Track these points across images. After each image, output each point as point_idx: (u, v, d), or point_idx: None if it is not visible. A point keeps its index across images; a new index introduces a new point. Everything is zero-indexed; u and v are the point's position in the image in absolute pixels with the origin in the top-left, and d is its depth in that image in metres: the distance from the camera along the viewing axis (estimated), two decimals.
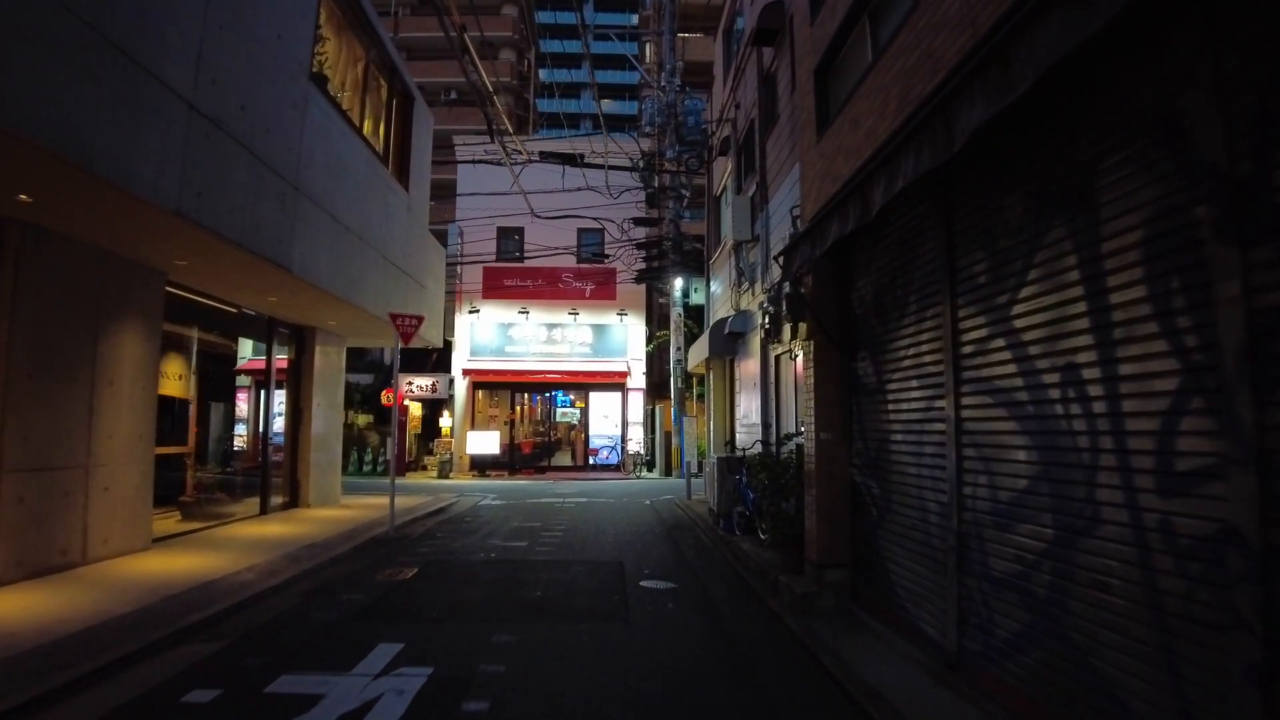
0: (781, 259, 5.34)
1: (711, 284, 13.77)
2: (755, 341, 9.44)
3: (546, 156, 15.06)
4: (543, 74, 46.11)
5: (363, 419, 19.77)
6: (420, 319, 9.53)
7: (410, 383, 19.30)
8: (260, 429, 10.36)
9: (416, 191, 11.94)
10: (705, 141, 15.84)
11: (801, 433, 6.16)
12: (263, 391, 10.42)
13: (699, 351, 12.21)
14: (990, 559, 3.72)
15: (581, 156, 14.86)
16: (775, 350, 8.42)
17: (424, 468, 19.39)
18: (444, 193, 26.32)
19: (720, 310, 12.05)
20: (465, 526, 9.79)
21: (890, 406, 4.98)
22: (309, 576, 6.74)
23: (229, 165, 6.32)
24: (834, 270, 5.77)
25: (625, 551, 7.81)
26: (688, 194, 18.47)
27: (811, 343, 5.71)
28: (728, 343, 10.76)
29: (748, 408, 9.95)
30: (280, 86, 7.28)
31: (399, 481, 17.20)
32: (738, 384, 10.80)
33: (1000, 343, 3.66)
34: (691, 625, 5.11)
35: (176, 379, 9.75)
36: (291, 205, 7.50)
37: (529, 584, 6.25)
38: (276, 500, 10.72)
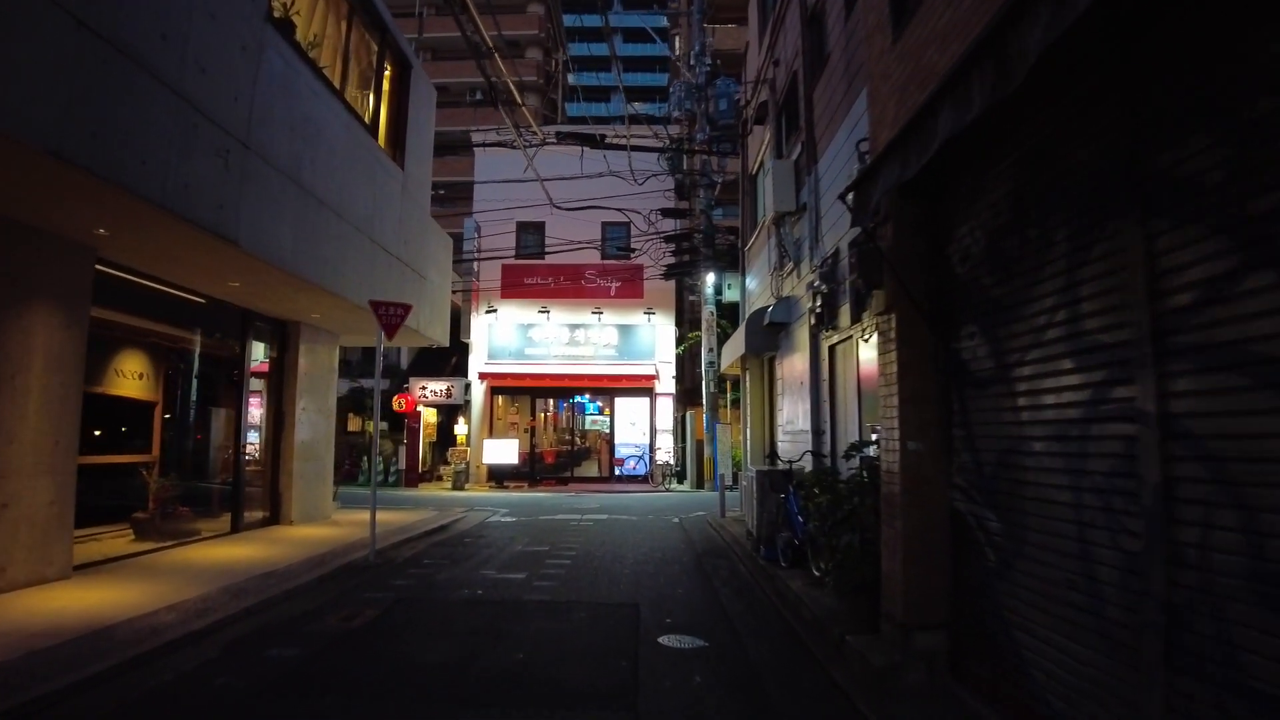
0: (851, 197, 3.79)
1: (747, 274, 12.21)
2: (802, 332, 7.85)
3: (564, 137, 13.72)
4: (570, 78, 45.25)
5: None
6: (407, 308, 8.19)
7: (424, 387, 18.11)
8: (234, 436, 9.12)
9: (415, 170, 10.67)
10: (738, 123, 14.32)
11: (875, 441, 4.58)
12: (239, 394, 9.20)
13: (734, 348, 10.64)
14: (1241, 655, 2.13)
15: (603, 137, 13.48)
16: (829, 340, 6.82)
17: (439, 478, 18.16)
18: (462, 193, 25.30)
19: (757, 302, 10.46)
20: (461, 550, 8.38)
21: (1020, 401, 3.38)
22: (246, 618, 5.39)
23: (140, 104, 5.03)
24: (923, 217, 4.20)
25: (644, 588, 6.28)
26: (720, 180, 16.95)
27: (892, 316, 4.14)
28: (767, 336, 9.18)
29: (792, 413, 8.34)
30: (224, 23, 6.01)
31: (407, 494, 16.05)
32: (779, 385, 9.19)
33: (1263, 278, 2.07)
34: (727, 712, 3.56)
35: (135, 378, 8.57)
36: (239, 165, 6.22)
37: (513, 638, 4.77)
38: (255, 515, 9.48)
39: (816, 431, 7.12)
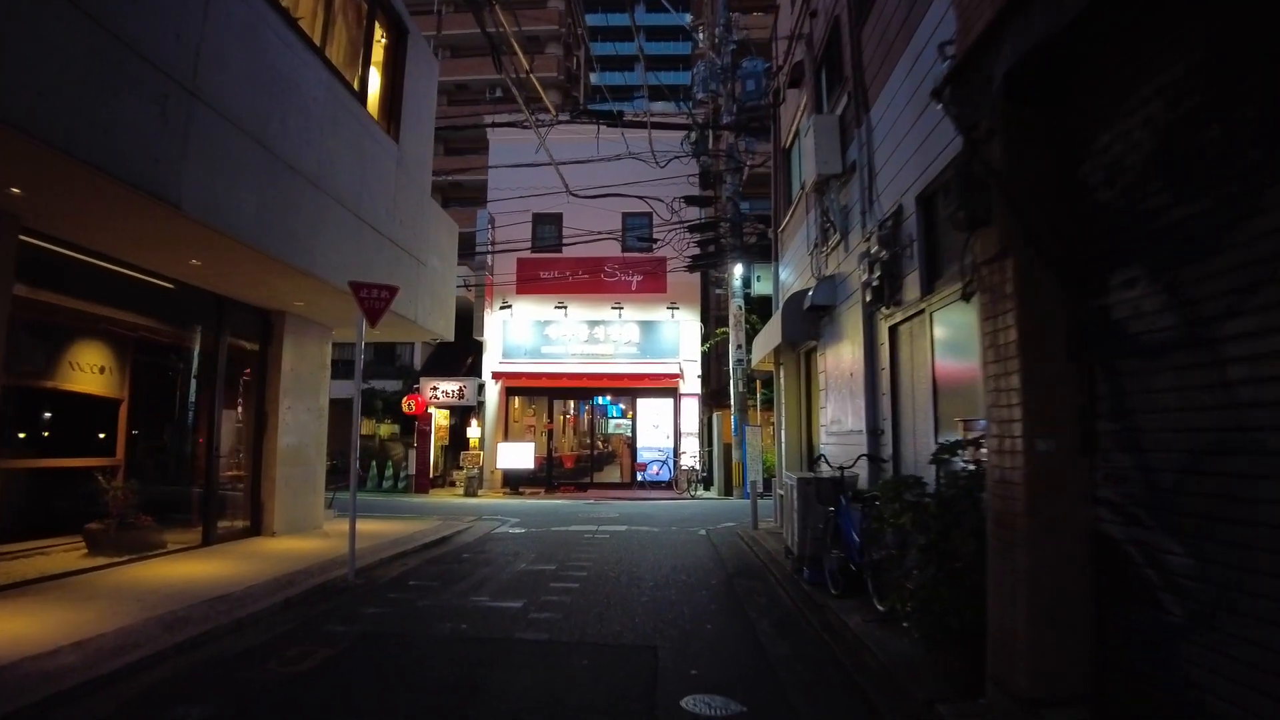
0: (948, 94, 2.63)
1: (781, 259, 11.00)
2: (852, 315, 6.65)
3: (580, 114, 12.68)
4: (592, 77, 44.38)
5: (385, 429, 17.78)
6: (392, 290, 7.18)
7: (435, 388, 17.18)
8: (208, 437, 8.19)
9: (413, 146, 9.70)
10: (769, 93, 13.13)
11: (977, 441, 3.39)
12: (214, 391, 8.27)
13: (767, 340, 9.45)
14: None
15: (620, 114, 12.41)
16: (889, 319, 5.62)
17: (452, 483, 17.20)
18: (482, 195, 24.43)
19: (794, 288, 9.25)
20: (457, 568, 7.32)
21: (1233, 373, 2.19)
22: (174, 656, 4.38)
23: (40, 26, 4.07)
24: (1045, 128, 3.01)
25: (664, 622, 5.13)
26: (747, 165, 15.77)
27: (1007, 264, 2.95)
28: (807, 323, 7.98)
29: (839, 411, 7.13)
30: None
31: (416, 501, 15.04)
32: (821, 379, 7.98)
33: None
34: None
35: (95, 373, 7.69)
36: (181, 115, 5.24)
37: (492, 696, 3.66)
38: (234, 525, 8.55)
39: (872, 432, 5.91)
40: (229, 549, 7.82)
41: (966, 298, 3.32)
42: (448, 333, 11.01)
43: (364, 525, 10.20)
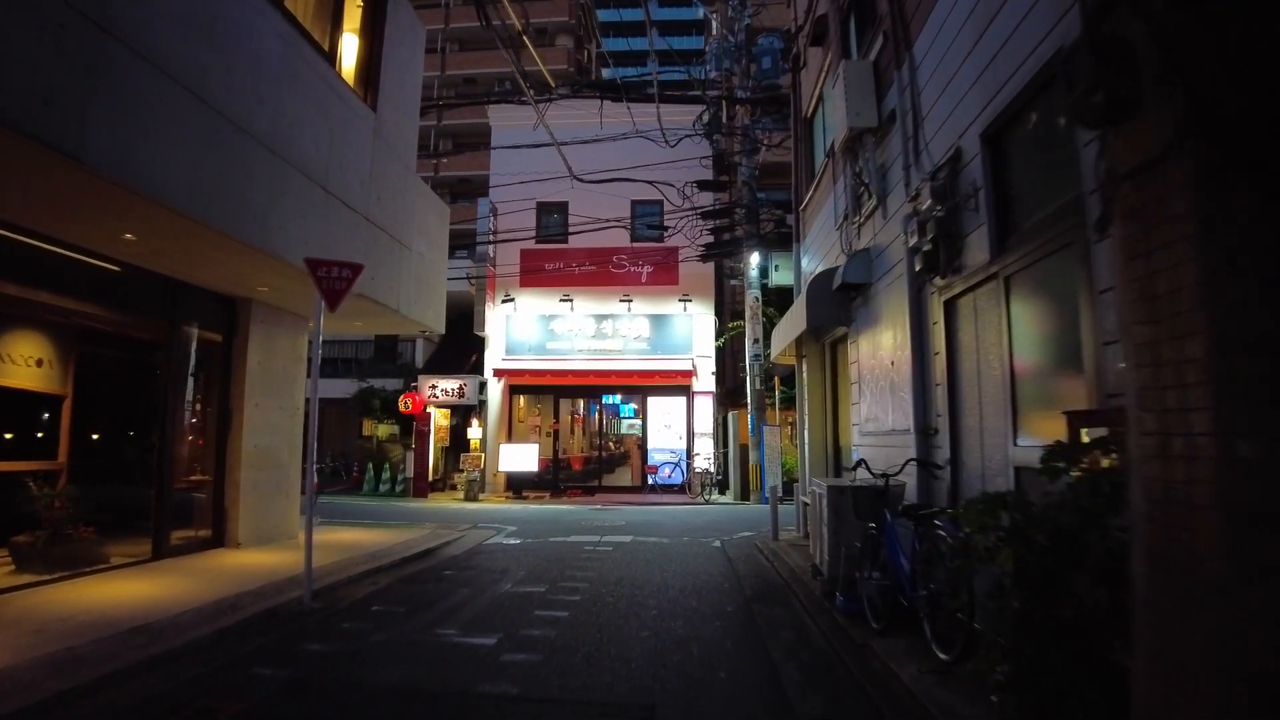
0: None
1: (804, 240, 9.95)
2: (894, 291, 5.62)
3: (581, 89, 11.71)
4: (605, 72, 43.49)
5: (384, 430, 16.94)
6: (356, 269, 6.25)
7: (434, 386, 16.31)
8: (162, 438, 7.32)
9: (394, 118, 8.79)
10: (789, 59, 12.09)
11: (1108, 441, 2.37)
12: (169, 386, 7.41)
13: (789, 329, 8.41)
14: None
15: (626, 83, 11.42)
16: (945, 291, 4.58)
17: (453, 487, 16.32)
18: (484, 191, 23.55)
19: (820, 268, 8.18)
20: (431, 590, 6.37)
21: None
22: (38, 715, 3.46)
23: None
24: None
25: (668, 666, 4.13)
26: (766, 143, 14.74)
27: (1175, 169, 1.92)
28: (836, 305, 6.94)
29: (877, 407, 6.09)
30: None
31: (412, 507, 13.99)
32: (854, 370, 6.93)
33: None
34: None
35: (31, 366, 6.85)
36: (84, 50, 4.34)
37: None
38: (193, 535, 7.69)
39: (922, 431, 4.86)
40: (180, 564, 6.93)
41: (1103, 226, 2.28)
42: (438, 325, 10.09)
43: (345, 535, 9.34)
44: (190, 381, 7.93)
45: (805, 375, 9.40)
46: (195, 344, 7.80)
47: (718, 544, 8.95)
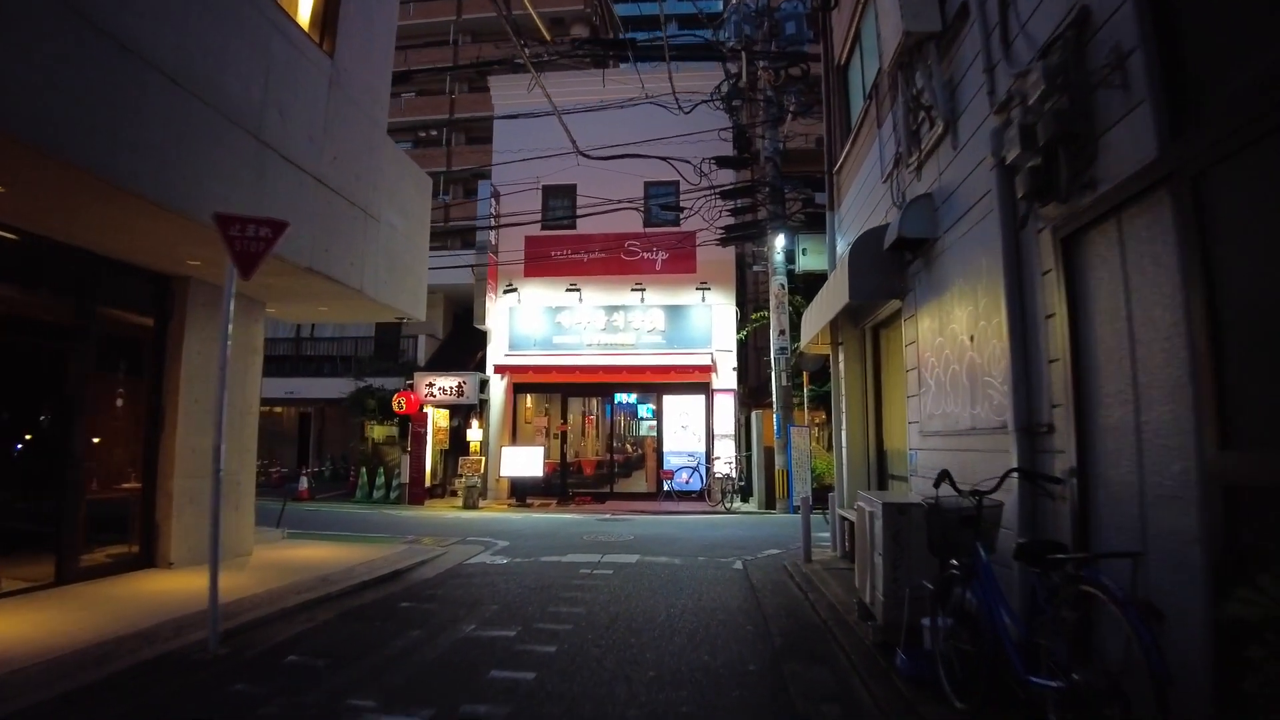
0: None
1: (840, 206, 8.49)
2: (973, 242, 4.18)
3: (580, 45, 10.39)
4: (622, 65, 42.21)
5: (380, 431, 15.78)
6: (278, 227, 4.98)
7: (431, 384, 15.10)
8: (69, 440, 6.12)
9: (359, 70, 7.55)
10: (808, 44, 10.65)
11: None
12: (80, 378, 6.22)
13: (824, 308, 6.97)
14: None
15: (634, 40, 10.08)
16: (1072, 222, 3.12)
17: (453, 493, 15.09)
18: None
19: (861, 233, 6.65)
20: (375, 630, 5.07)
21: None
22: None
23: None
24: None
25: None
26: (791, 111, 13.29)
27: None
28: (886, 272, 5.49)
29: (945, 399, 4.63)
30: None
31: (405, 515, 12.53)
32: (910, 354, 5.46)
33: None
34: None
35: None
36: None
37: None
38: (118, 553, 6.51)
39: (1025, 430, 3.40)
40: (83, 591, 5.72)
41: None
42: (415, 311, 8.82)
43: (307, 551, 8.12)
44: (116, 373, 6.76)
45: (842, 367, 7.94)
46: (118, 329, 6.63)
47: (739, 566, 7.53)
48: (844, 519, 7.52)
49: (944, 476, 3.25)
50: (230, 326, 4.97)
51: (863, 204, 7.13)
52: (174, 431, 6.87)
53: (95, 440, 6.57)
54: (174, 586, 6.04)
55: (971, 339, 4.13)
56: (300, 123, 6.53)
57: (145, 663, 4.27)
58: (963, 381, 4.28)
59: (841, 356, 7.95)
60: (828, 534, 8.11)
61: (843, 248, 8.35)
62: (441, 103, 34.24)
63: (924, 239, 4.88)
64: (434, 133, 33.92)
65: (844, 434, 7.74)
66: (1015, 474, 3.27)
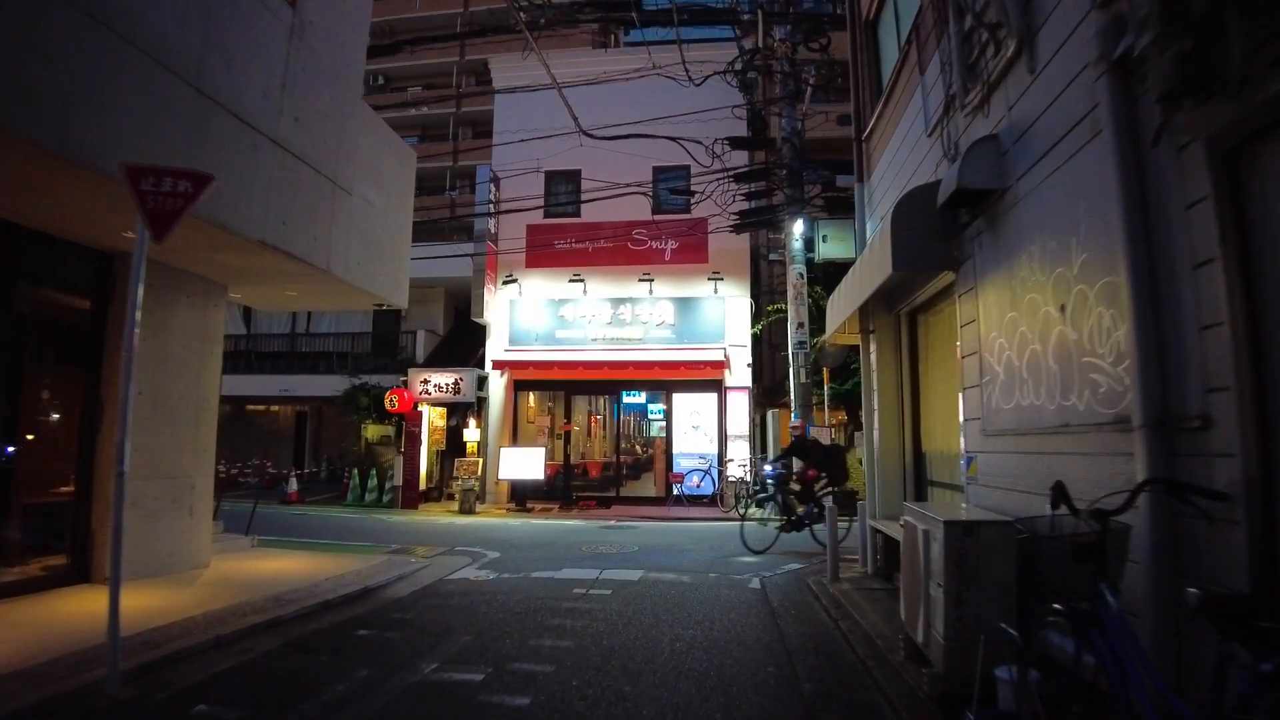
0: None
1: (870, 178, 7.54)
2: (1066, 183, 3.26)
3: (582, 5, 9.51)
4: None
5: (374, 430, 14.99)
6: (200, 181, 4.13)
7: (426, 380, 14.28)
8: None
9: (326, 21, 6.71)
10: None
11: None
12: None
13: (856, 288, 6.02)
14: None
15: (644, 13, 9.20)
16: (1236, 130, 2.17)
17: (450, 496, 14.27)
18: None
19: (899, 196, 5.64)
20: (316, 668, 4.20)
21: None
22: None
23: None
24: None
25: None
26: (810, 84, 12.34)
27: None
28: (935, 238, 4.55)
29: (1023, 388, 3.68)
30: None
31: (396, 520, 11.23)
32: (969, 336, 4.50)
33: None
34: None
35: None
36: None
37: None
38: (46, 565, 5.71)
39: (1162, 425, 2.46)
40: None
41: None
42: (396, 297, 7.98)
43: (272, 563, 7.29)
44: (44, 362, 5.97)
45: (874, 358, 7.00)
46: (48, 311, 5.84)
47: (756, 584, 6.59)
48: (876, 531, 6.58)
49: (1061, 493, 2.31)
50: (139, 297, 4.12)
51: (899, 169, 6.19)
52: (113, 429, 6.05)
53: (29, 438, 5.81)
54: (98, 608, 5.19)
55: (1062, 309, 3.19)
56: (252, 76, 5.70)
57: (20, 711, 3.44)
58: (1048, 365, 3.35)
59: (873, 346, 7.01)
60: (859, 549, 7.16)
61: (872, 230, 7.42)
62: (448, 97, 33.63)
63: (988, 191, 3.94)
64: (423, 104, 32.92)
65: (876, 434, 6.80)
66: (1155, 488, 2.33)
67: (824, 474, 9.01)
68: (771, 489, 9.15)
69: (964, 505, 4.41)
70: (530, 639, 4.67)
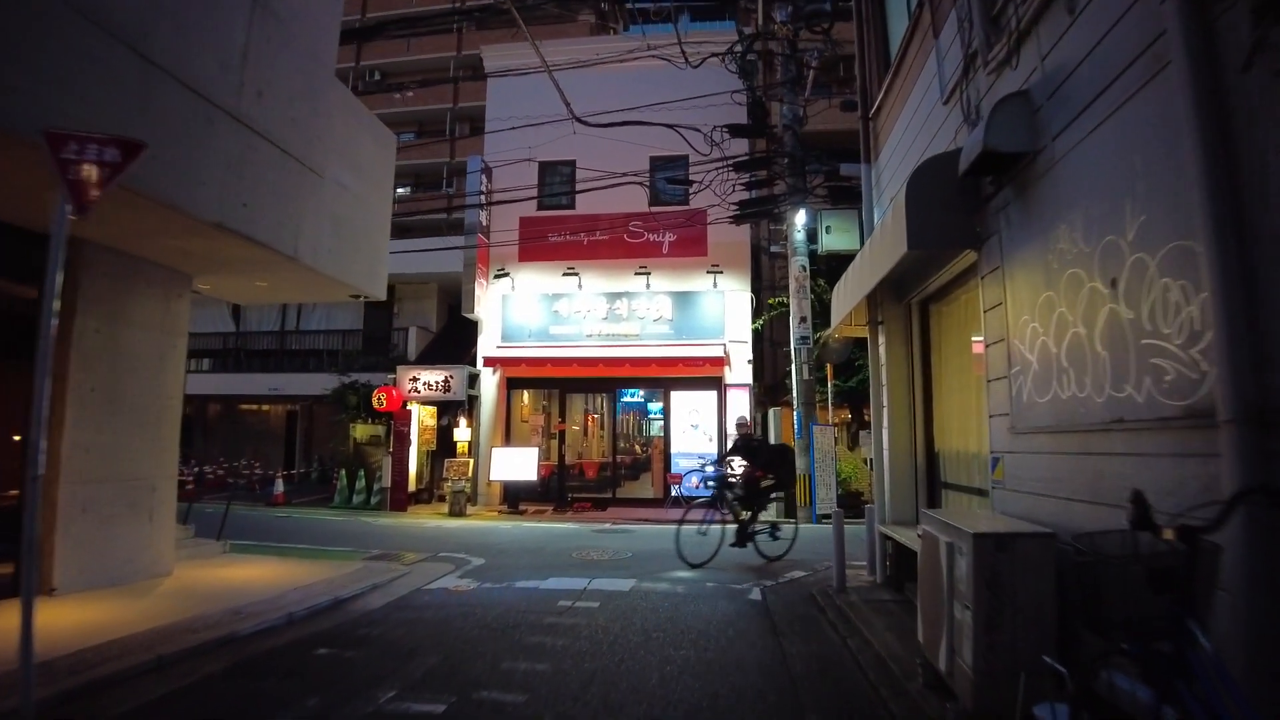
0: None
1: (880, 155, 7.05)
2: (1116, 134, 2.78)
3: None
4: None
5: (363, 430, 14.53)
6: (130, 150, 3.68)
7: (415, 378, 13.82)
8: None
9: None
10: None
11: None
12: None
13: (866, 272, 5.52)
14: None
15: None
16: None
17: (440, 498, 13.81)
18: None
19: (910, 175, 5.16)
20: (265, 695, 3.75)
21: None
22: None
23: None
24: None
25: None
26: (813, 67, 11.87)
27: None
28: (955, 212, 4.08)
29: (1064, 381, 3.20)
30: None
31: (383, 523, 10.74)
32: (996, 321, 4.02)
33: None
34: None
35: None
36: None
37: None
38: (4, 572, 5.26)
39: (1259, 419, 2.00)
40: None
41: None
42: (372, 288, 7.52)
43: (240, 570, 6.83)
44: None
45: (883, 351, 6.53)
46: None
47: (757, 595, 6.12)
48: (886, 537, 6.10)
49: (1141, 504, 1.83)
50: (58, 281, 3.66)
51: (911, 145, 5.72)
52: (62, 426, 5.61)
53: None
54: (43, 621, 4.75)
55: (1114, 284, 2.72)
56: (208, 44, 5.24)
57: None
58: (1094, 351, 2.87)
59: (882, 339, 6.53)
60: (867, 556, 6.68)
61: (880, 214, 6.93)
62: (444, 92, 33.17)
63: (1017, 156, 3.47)
64: (412, 88, 32.52)
65: (885, 433, 6.32)
66: (1255, 498, 1.85)
67: (770, 475, 8.30)
68: (713, 492, 8.13)
69: (990, 512, 3.93)
70: (504, 661, 4.20)
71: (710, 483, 8.24)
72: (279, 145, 5.99)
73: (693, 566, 7.31)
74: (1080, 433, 2.99)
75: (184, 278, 6.81)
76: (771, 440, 12.87)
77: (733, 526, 7.93)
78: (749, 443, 8.46)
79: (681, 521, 7.80)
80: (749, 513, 7.98)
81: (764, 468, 8.20)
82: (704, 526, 7.79)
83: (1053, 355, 3.21)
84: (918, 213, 4.00)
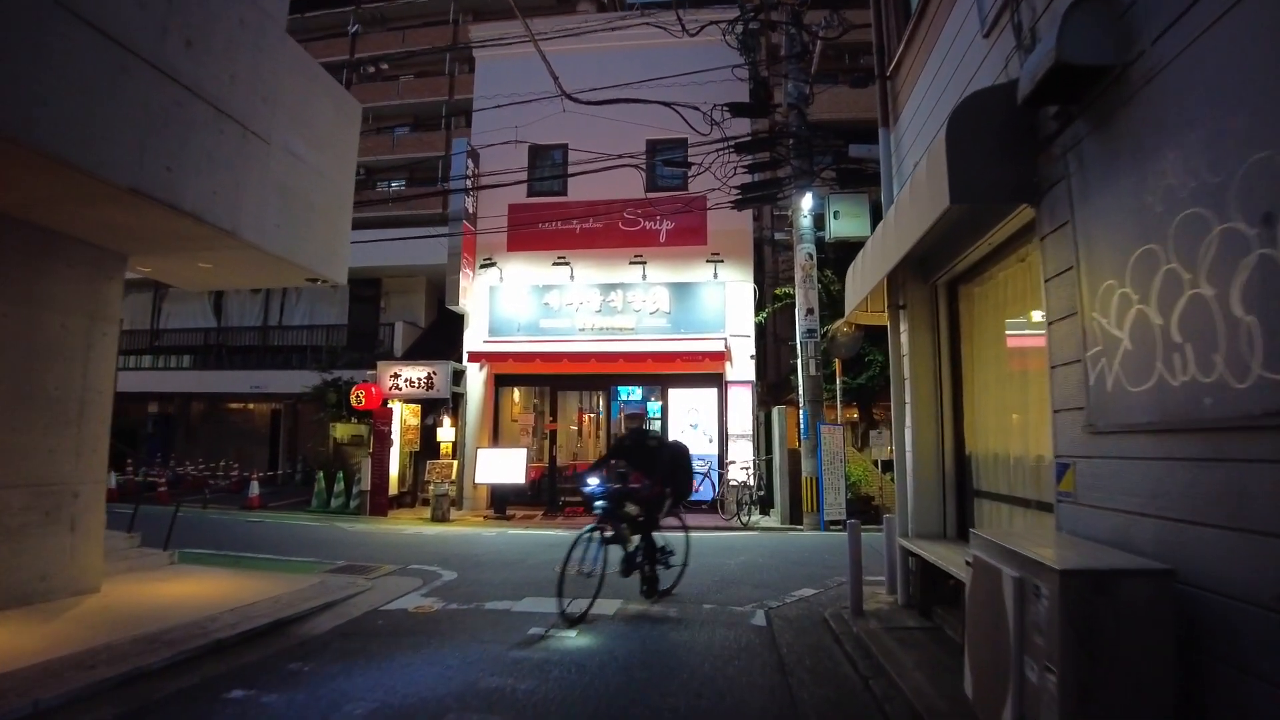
0: None
1: (898, 122, 6.26)
2: (1247, 20, 1.94)
3: None
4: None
5: (344, 429, 13.77)
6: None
7: (396, 374, 13.04)
8: None
9: None
10: None
11: None
12: None
13: (889, 245, 4.74)
14: None
15: None
16: None
17: (423, 502, 13.05)
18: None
19: (926, 146, 4.32)
20: None
21: None
22: None
23: None
24: None
25: None
26: (818, 39, 11.10)
27: None
28: (1006, 158, 3.29)
29: (1173, 363, 2.44)
30: None
31: (359, 529, 9.95)
32: (1061, 292, 3.24)
33: None
34: None
35: None
36: None
37: None
38: None
39: None
40: None
41: None
42: (330, 271, 6.75)
43: (186, 585, 6.08)
44: None
45: (904, 338, 5.75)
46: None
47: (761, 621, 5.33)
48: (909, 552, 5.32)
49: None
50: None
51: (939, 99, 4.94)
52: None
53: None
54: None
55: (1267, 220, 1.94)
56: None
57: None
58: (1229, 316, 2.09)
59: (904, 325, 5.75)
60: (886, 572, 5.89)
61: (899, 186, 6.14)
62: (440, 84, 32.45)
63: (1099, 70, 2.68)
64: (408, 73, 31.86)
65: (908, 433, 5.54)
66: None
67: (669, 488, 5.91)
68: (603, 513, 5.58)
69: (1058, 533, 3.14)
70: (450, 713, 3.43)
71: (599, 507, 5.61)
72: (213, 104, 5.23)
73: (571, 622, 5.04)
74: (1203, 431, 2.20)
75: (116, 258, 6.05)
76: (776, 439, 12.08)
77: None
78: (643, 440, 6.04)
79: (565, 562, 5.23)
80: (638, 535, 5.78)
81: (666, 479, 5.85)
82: (587, 561, 5.33)
83: (1156, 328, 2.42)
84: (961, 159, 3.21)
